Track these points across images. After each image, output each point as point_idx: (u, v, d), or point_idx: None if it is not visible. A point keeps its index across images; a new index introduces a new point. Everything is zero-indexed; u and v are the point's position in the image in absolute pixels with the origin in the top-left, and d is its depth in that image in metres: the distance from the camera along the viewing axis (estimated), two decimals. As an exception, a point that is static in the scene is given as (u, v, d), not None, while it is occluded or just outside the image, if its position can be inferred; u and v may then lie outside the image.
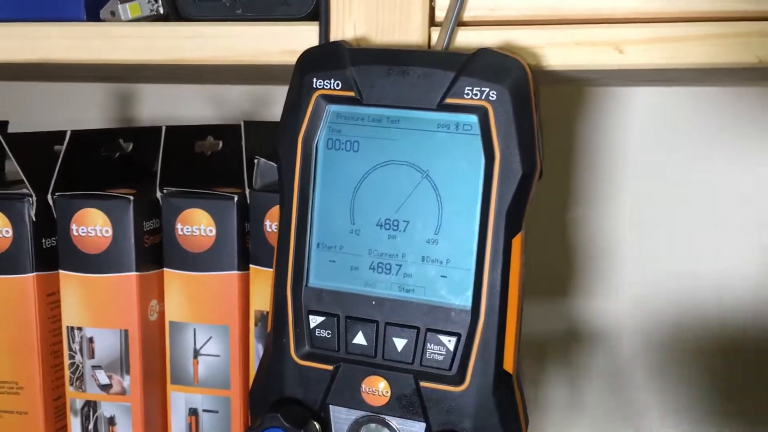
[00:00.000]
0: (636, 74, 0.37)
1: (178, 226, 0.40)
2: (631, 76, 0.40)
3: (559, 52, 0.32)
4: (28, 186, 0.38)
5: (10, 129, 0.51)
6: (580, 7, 0.32)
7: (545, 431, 0.73)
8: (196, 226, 0.39)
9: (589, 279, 0.67)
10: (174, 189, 0.40)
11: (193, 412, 0.41)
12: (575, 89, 0.61)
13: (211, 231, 0.39)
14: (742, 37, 0.31)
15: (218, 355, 0.40)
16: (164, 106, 0.70)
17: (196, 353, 0.40)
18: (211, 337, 0.40)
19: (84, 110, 0.71)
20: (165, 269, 0.40)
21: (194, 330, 0.40)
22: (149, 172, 0.48)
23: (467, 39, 0.32)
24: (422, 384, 0.30)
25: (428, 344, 0.30)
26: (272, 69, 0.36)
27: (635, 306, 0.68)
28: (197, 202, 0.39)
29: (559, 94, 0.61)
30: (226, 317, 0.40)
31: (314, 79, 0.30)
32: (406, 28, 0.33)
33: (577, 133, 0.64)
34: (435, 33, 0.32)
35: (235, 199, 0.39)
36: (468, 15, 0.32)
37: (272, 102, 0.66)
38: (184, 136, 0.43)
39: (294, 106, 0.31)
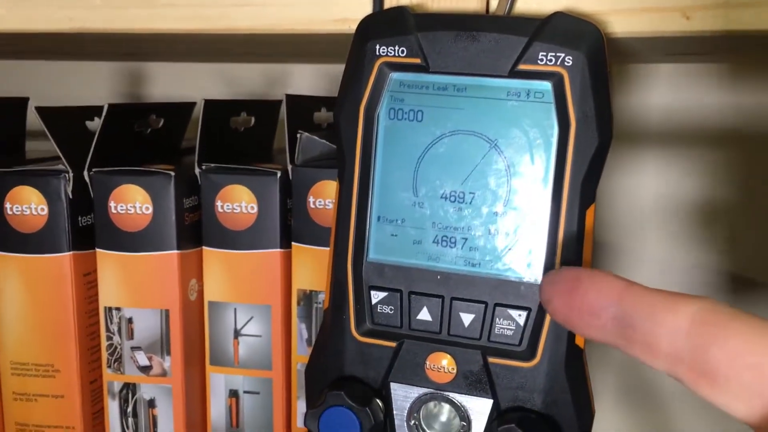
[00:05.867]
0: (694, 43, 0.36)
1: (218, 203, 0.38)
2: (676, 47, 0.40)
3: (624, 18, 0.31)
4: (65, 162, 0.37)
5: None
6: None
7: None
8: (237, 203, 0.38)
9: (613, 257, 0.66)
10: (213, 165, 0.39)
11: (233, 394, 0.40)
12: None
13: (252, 208, 0.38)
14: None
15: (260, 336, 0.39)
16: (175, 85, 0.68)
17: (237, 333, 0.39)
18: (252, 317, 0.39)
19: (94, 88, 0.69)
20: (204, 248, 0.39)
21: (235, 310, 0.39)
22: (178, 149, 0.46)
23: (527, 5, 0.31)
24: (490, 360, 0.29)
25: (497, 319, 0.29)
26: (322, 39, 0.35)
27: (661, 285, 0.67)
28: (238, 178, 0.38)
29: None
30: (268, 296, 0.39)
31: (377, 46, 0.29)
32: (463, -5, 0.32)
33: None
34: (493, 0, 0.31)
35: (278, 174, 0.38)
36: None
37: (287, 80, 0.65)
38: (221, 110, 0.41)
39: (355, 74, 0.30)
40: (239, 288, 0.39)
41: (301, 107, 0.40)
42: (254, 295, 0.39)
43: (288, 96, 0.39)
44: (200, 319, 0.40)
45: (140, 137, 0.42)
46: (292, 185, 0.38)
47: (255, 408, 0.40)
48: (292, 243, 0.39)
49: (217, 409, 0.40)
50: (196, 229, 0.39)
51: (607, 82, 0.28)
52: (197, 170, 0.39)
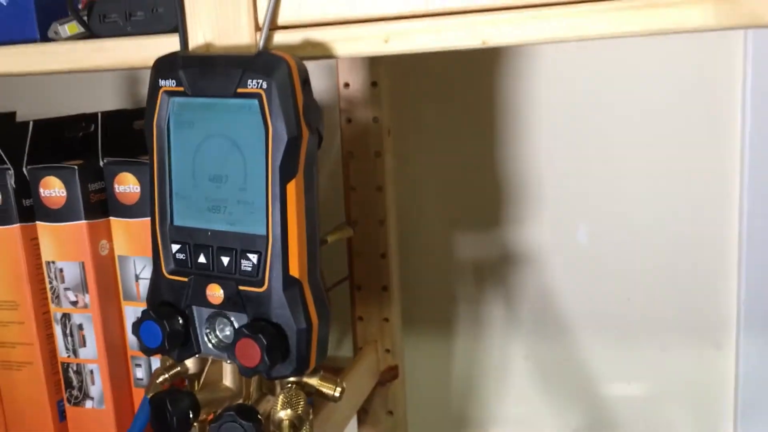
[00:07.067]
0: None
1: (116, 185, 0.54)
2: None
3: (343, 44, 0.44)
4: (6, 161, 0.54)
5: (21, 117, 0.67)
6: (356, 11, 0.43)
7: (486, 345, 0.84)
8: (127, 185, 0.54)
9: (517, 208, 0.77)
10: (111, 159, 0.54)
11: (138, 321, 0.56)
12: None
13: (137, 188, 0.54)
14: (470, 26, 0.41)
15: (151, 279, 0.55)
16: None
17: (137, 278, 0.55)
18: (145, 266, 0.55)
19: (98, 95, 0.87)
20: (111, 217, 0.55)
21: (134, 261, 0.55)
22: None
23: (280, 39, 0.45)
24: (240, 288, 0.43)
25: (242, 260, 0.43)
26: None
27: (555, 230, 0.78)
28: (127, 167, 0.54)
29: (477, 53, 0.72)
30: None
31: (159, 80, 0.43)
32: (239, 34, 0.45)
33: (496, 85, 0.74)
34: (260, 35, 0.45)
35: (151, 164, 0.53)
36: (281, 20, 0.44)
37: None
38: (118, 119, 0.57)
39: (150, 98, 0.44)
40: (135, 245, 0.55)
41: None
42: (146, 250, 0.55)
43: (156, 106, 0.54)
44: (113, 268, 0.56)
45: (74, 140, 0.58)
46: (164, 171, 0.53)
47: (153, 330, 0.56)
48: (167, 212, 0.54)
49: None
50: (105, 205, 0.55)
51: (294, 98, 0.40)
52: (101, 163, 0.55)
